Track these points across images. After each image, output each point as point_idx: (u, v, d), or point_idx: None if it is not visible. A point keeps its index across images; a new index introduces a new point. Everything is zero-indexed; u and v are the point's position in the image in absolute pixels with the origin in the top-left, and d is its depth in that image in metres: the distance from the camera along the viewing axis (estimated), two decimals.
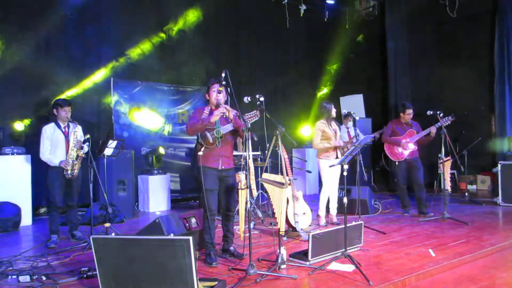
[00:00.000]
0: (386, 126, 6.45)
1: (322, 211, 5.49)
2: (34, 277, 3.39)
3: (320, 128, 5.38)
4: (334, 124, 5.51)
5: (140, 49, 7.96)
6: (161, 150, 7.37)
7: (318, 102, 10.24)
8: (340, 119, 7.47)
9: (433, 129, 5.83)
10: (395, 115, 8.99)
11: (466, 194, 7.63)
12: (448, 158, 5.71)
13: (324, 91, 10.61)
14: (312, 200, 8.22)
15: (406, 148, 6.01)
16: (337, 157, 5.39)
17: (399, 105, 6.40)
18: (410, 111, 6.12)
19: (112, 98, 7.50)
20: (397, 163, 6.13)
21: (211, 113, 3.89)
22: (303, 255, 3.83)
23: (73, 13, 7.18)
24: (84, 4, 7.25)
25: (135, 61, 7.87)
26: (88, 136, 4.71)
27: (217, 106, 3.84)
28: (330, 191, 5.54)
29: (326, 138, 5.35)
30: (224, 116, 3.83)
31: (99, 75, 7.52)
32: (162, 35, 8.30)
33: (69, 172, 4.76)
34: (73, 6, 7.15)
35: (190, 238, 2.64)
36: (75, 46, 7.22)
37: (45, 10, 6.93)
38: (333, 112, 5.48)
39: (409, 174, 6.16)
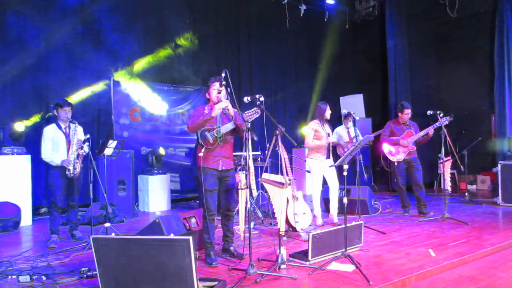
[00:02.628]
0: (385, 126, 6.45)
1: (317, 211, 5.49)
2: (34, 277, 3.39)
3: (312, 127, 5.41)
4: (327, 127, 5.51)
5: (140, 50, 7.96)
6: (161, 151, 7.37)
7: (318, 102, 10.26)
8: (340, 119, 7.47)
9: (430, 130, 5.82)
10: (395, 115, 8.99)
11: (466, 194, 7.63)
12: (448, 158, 5.71)
13: (323, 90, 10.60)
14: (312, 200, 8.23)
15: (405, 145, 5.99)
16: (327, 158, 5.42)
17: (398, 106, 6.39)
18: (408, 111, 6.11)
19: (112, 98, 7.50)
20: (396, 163, 6.12)
21: (211, 110, 3.89)
22: (303, 255, 3.83)
23: (74, 14, 7.19)
24: (84, 6, 7.26)
25: (135, 61, 7.87)
26: (88, 136, 4.71)
27: (218, 102, 3.84)
28: (330, 191, 5.54)
29: (318, 138, 5.37)
30: (226, 112, 3.83)
31: (100, 75, 7.52)
32: (162, 36, 8.31)
33: (71, 171, 4.77)
34: (73, 8, 7.16)
35: (190, 238, 2.64)
36: (75, 46, 7.22)
37: (45, 11, 6.94)
38: (327, 114, 5.47)
39: (408, 174, 6.16)
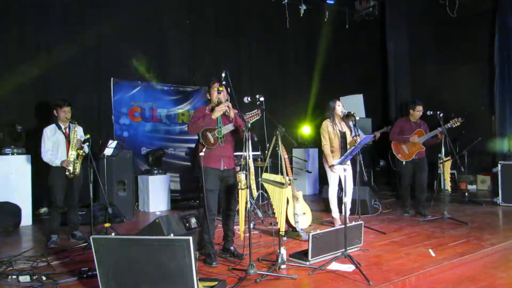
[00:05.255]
0: (395, 124, 6.35)
1: (335, 213, 5.34)
2: (34, 277, 3.39)
3: (324, 127, 5.27)
4: (342, 125, 5.31)
5: (140, 49, 7.96)
6: (161, 151, 7.37)
7: (318, 102, 10.25)
8: None
9: (439, 131, 5.73)
10: (395, 115, 9.00)
11: (466, 194, 7.63)
12: (448, 158, 5.70)
13: (324, 90, 10.60)
14: (312, 200, 8.23)
15: (415, 142, 5.92)
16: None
17: (409, 103, 6.30)
18: (420, 108, 6.02)
19: (112, 98, 7.50)
20: (404, 163, 6.08)
21: (212, 111, 3.89)
22: (303, 255, 3.83)
23: (73, 14, 7.19)
24: (83, 5, 7.25)
25: (135, 61, 7.86)
26: (88, 136, 4.71)
27: (218, 103, 3.84)
28: (345, 193, 5.41)
29: (329, 138, 5.23)
30: (226, 114, 3.83)
31: (99, 75, 7.52)
32: (162, 36, 8.30)
33: (71, 172, 4.76)
34: (72, 7, 7.16)
35: (190, 238, 2.64)
36: (75, 46, 7.21)
37: (45, 11, 6.94)
38: (338, 110, 5.27)
39: (414, 174, 6.11)
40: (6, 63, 6.61)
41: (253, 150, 3.63)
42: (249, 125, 3.48)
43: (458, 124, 5.68)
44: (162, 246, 2.71)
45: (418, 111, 6.05)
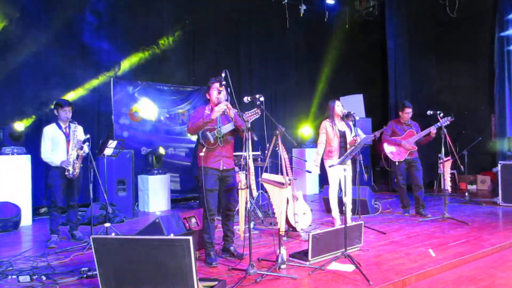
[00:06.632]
0: (386, 125, 6.44)
1: (335, 213, 5.32)
2: (34, 277, 3.39)
3: (323, 126, 5.29)
4: (341, 125, 5.31)
5: (140, 49, 7.97)
6: (161, 150, 7.37)
7: (318, 102, 10.25)
8: None
9: (432, 130, 5.80)
10: (395, 115, 9.00)
11: (466, 194, 7.62)
12: (448, 158, 5.70)
13: (323, 91, 10.60)
14: (312, 200, 8.23)
15: (407, 148, 5.99)
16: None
17: (399, 105, 6.37)
18: (409, 110, 6.09)
19: (112, 98, 7.50)
20: (397, 163, 6.12)
21: (212, 111, 3.89)
22: (303, 255, 3.83)
23: (73, 14, 7.19)
24: (85, 5, 7.26)
25: (135, 61, 7.87)
26: (88, 136, 4.71)
27: (218, 104, 3.84)
28: (345, 193, 5.42)
29: (328, 138, 5.23)
30: (225, 113, 3.83)
31: (100, 75, 7.52)
32: (162, 36, 8.31)
33: (70, 172, 4.76)
34: (73, 8, 7.16)
35: (190, 238, 2.64)
36: (76, 46, 7.22)
37: (44, 12, 6.94)
38: (338, 110, 5.28)
39: (409, 174, 6.15)
40: (6, 63, 6.61)
41: (253, 150, 3.63)
42: (249, 125, 3.48)
43: (448, 123, 5.69)
44: (162, 246, 2.71)
45: (406, 113, 6.11)
